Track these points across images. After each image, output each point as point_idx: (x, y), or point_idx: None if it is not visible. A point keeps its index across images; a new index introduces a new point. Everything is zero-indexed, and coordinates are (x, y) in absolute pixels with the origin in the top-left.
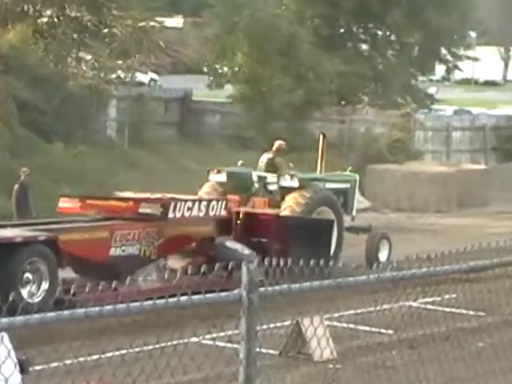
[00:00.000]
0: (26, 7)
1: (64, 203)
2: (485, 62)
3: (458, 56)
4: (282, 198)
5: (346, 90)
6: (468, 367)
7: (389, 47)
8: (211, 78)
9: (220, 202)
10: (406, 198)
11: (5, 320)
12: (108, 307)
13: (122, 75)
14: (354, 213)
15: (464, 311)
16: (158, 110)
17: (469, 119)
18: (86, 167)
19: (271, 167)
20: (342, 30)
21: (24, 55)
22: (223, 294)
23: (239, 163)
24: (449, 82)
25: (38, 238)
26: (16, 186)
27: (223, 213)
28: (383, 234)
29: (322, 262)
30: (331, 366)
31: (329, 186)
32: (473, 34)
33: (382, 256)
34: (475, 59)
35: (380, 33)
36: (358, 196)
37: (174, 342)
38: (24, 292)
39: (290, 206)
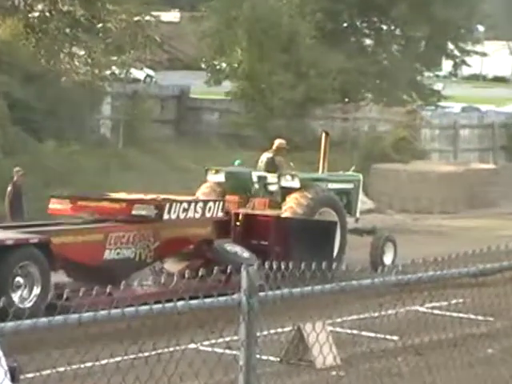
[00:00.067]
0: (16, 1)
1: (54, 204)
2: (493, 57)
3: (466, 51)
4: (283, 199)
5: (349, 86)
6: (477, 374)
7: (394, 42)
8: (209, 75)
9: (217, 203)
10: (412, 198)
11: None
12: (102, 312)
13: (117, 71)
14: (357, 214)
15: (472, 316)
16: (154, 107)
17: (477, 116)
18: (78, 167)
19: (271, 167)
20: (344, 25)
21: (15, 51)
22: (222, 298)
23: (236, 162)
24: (456, 78)
25: (30, 240)
26: (9, 187)
27: (220, 214)
28: (388, 236)
29: (324, 265)
30: (334, 373)
31: (331, 186)
32: (481, 28)
33: (387, 259)
34: (483, 54)
35: (384, 27)
36: (361, 197)
37: (171, 349)
38: (15, 297)
39: (290, 207)
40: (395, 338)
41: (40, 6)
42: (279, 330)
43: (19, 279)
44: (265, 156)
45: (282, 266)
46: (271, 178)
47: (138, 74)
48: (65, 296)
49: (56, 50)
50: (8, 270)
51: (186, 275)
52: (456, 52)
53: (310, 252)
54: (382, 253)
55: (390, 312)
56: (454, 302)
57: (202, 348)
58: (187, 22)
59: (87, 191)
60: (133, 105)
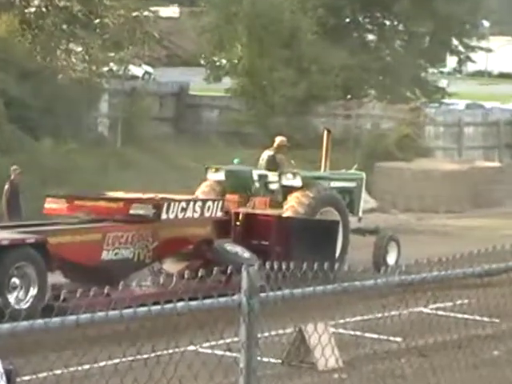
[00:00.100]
0: None
1: (50, 204)
2: (499, 53)
3: (471, 47)
4: (284, 198)
5: (351, 83)
6: (482, 376)
7: (397, 38)
8: (209, 71)
9: (216, 203)
10: (416, 197)
11: None
12: (100, 314)
13: (115, 68)
14: (360, 213)
15: (477, 317)
16: (153, 105)
17: (482, 114)
18: (76, 166)
19: (272, 165)
20: (347, 20)
21: (10, 47)
22: (222, 299)
23: (235, 161)
24: (461, 75)
25: (26, 240)
26: (6, 186)
27: (219, 214)
28: (391, 235)
29: (326, 265)
30: (336, 375)
31: (334, 184)
32: (486, 24)
33: (391, 259)
34: (488, 50)
35: (387, 22)
36: (364, 196)
37: (170, 351)
38: (11, 298)
39: (292, 206)
40: (399, 339)
41: (36, 2)
42: (280, 331)
43: (15, 280)
44: (266, 154)
45: (283, 267)
46: (272, 176)
47: (136, 70)
48: (62, 297)
49: (52, 47)
50: (4, 271)
51: (186, 276)
52: (460, 48)
53: (312, 252)
54: (386, 253)
55: (393, 313)
56: (458, 302)
57: (201, 350)
58: (186, 17)
59: (84, 190)
60: (131, 102)
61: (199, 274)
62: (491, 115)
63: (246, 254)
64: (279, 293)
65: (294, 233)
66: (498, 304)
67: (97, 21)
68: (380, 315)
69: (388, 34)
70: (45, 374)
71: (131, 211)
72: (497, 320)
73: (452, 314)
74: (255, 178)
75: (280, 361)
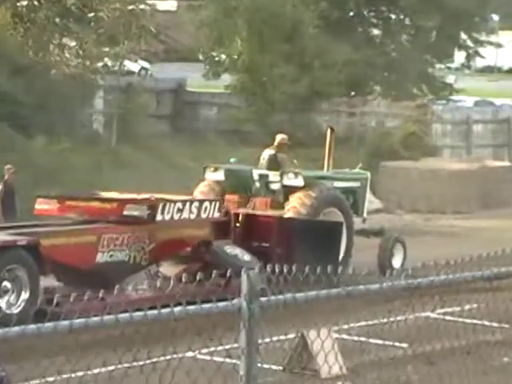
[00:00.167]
0: None
1: (41, 205)
2: (508, 47)
3: (479, 41)
4: (286, 199)
5: (355, 79)
6: (491, 383)
7: (403, 32)
8: (207, 67)
9: (213, 203)
10: (422, 197)
11: None
12: (94, 319)
13: (110, 64)
14: (364, 214)
15: (487, 323)
16: (149, 101)
17: (491, 111)
18: (69, 165)
19: (273, 164)
20: (351, 14)
21: (1, 42)
22: (221, 303)
23: (232, 160)
24: (469, 70)
25: (18, 242)
26: (0, 186)
27: (217, 215)
28: (397, 237)
29: (329, 268)
30: (340, 383)
31: (337, 184)
32: (495, 17)
33: (396, 262)
34: (498, 45)
35: (393, 16)
36: (369, 196)
37: (167, 357)
38: (2, 302)
39: (294, 206)
40: (405, 345)
41: None
42: (282, 337)
43: (6, 284)
44: (266, 153)
45: (285, 270)
46: (273, 176)
47: (132, 66)
48: (55, 301)
49: (45, 41)
50: None
51: (183, 279)
52: (469, 42)
53: (315, 254)
54: (391, 255)
55: (399, 318)
56: (467, 307)
57: (200, 356)
58: (184, 10)
59: (78, 190)
60: (127, 99)
61: (197, 278)
62: (501, 112)
63: (246, 257)
64: (281, 297)
65: (295, 234)
66: (507, 309)
67: (91, 14)
68: (385, 320)
69: (394, 28)
70: (37, 381)
71: (125, 212)
72: (506, 325)
73: (460, 319)
74: (255, 177)
75: (281, 368)
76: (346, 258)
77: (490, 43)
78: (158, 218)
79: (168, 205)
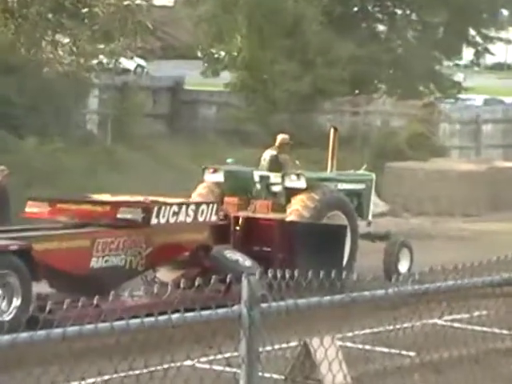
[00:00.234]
0: None
1: (31, 208)
2: None
3: (489, 37)
4: (288, 201)
5: (359, 77)
6: None
7: (409, 28)
8: (206, 64)
9: (211, 206)
10: (430, 200)
11: None
12: (89, 326)
13: (104, 61)
14: (369, 217)
15: (496, 330)
16: (146, 100)
17: (501, 110)
18: (63, 166)
19: (275, 165)
20: (355, 9)
21: None
22: (221, 310)
23: (229, 160)
24: (478, 68)
25: (9, 247)
26: None
27: (214, 218)
28: (403, 241)
29: (333, 273)
30: None
31: (341, 186)
32: (505, 13)
33: (403, 267)
34: (508, 41)
35: (399, 11)
36: (374, 198)
37: (165, 366)
38: None
39: (296, 209)
40: (411, 353)
41: None
42: (284, 345)
43: None
44: (268, 154)
45: (287, 275)
46: (274, 177)
47: (128, 63)
48: (48, 308)
49: (37, 38)
50: None
51: (181, 285)
52: (478, 39)
53: (318, 259)
54: (397, 260)
55: (405, 325)
56: (476, 314)
57: (198, 365)
58: (182, 6)
59: (71, 193)
60: (122, 98)
61: (196, 283)
62: (511, 111)
63: (247, 262)
64: (282, 303)
65: (298, 238)
66: None
67: (85, 10)
68: (391, 327)
69: (400, 23)
70: None
71: (118, 215)
72: None
73: (469, 327)
74: (256, 179)
75: (283, 377)
76: (351, 262)
77: (500, 39)
78: (153, 221)
79: (163, 208)
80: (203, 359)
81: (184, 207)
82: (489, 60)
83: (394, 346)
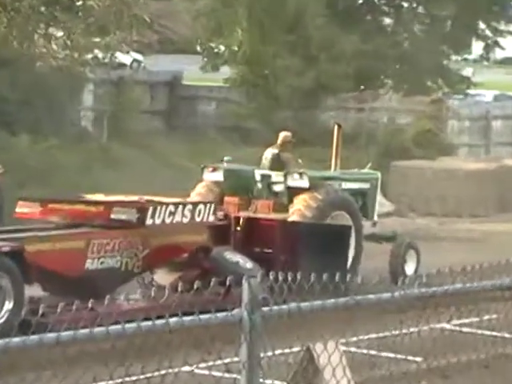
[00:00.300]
0: None
1: (22, 208)
2: None
3: (499, 31)
4: (290, 201)
5: (365, 72)
6: None
7: (416, 21)
8: (205, 59)
9: (208, 206)
10: (437, 200)
11: None
12: (83, 331)
13: (100, 55)
14: (375, 218)
15: (507, 335)
16: (143, 96)
17: None
18: (57, 164)
19: (277, 164)
20: (360, 1)
21: None
22: (220, 314)
23: (226, 158)
24: (488, 62)
25: (1, 248)
26: None
27: (212, 218)
28: (410, 242)
29: (337, 276)
30: None
31: (345, 186)
32: None
33: (409, 269)
34: None
35: (405, 4)
36: (379, 198)
37: (163, 372)
38: None
39: (298, 209)
40: (418, 359)
41: None
42: (286, 350)
43: None
44: (269, 152)
45: (289, 277)
46: (276, 176)
47: (124, 58)
48: (40, 312)
49: (30, 31)
50: None
51: (180, 288)
52: (488, 32)
53: (321, 261)
54: (403, 262)
55: (412, 330)
56: (485, 318)
57: (197, 371)
58: None
59: (67, 192)
60: (118, 93)
61: (195, 286)
62: None
63: (248, 264)
64: (284, 307)
65: (300, 239)
66: None
67: (79, 3)
68: (397, 332)
69: (406, 16)
70: None
71: (112, 216)
72: None
73: (478, 331)
74: (257, 178)
75: (285, 383)
76: (355, 264)
77: (510, 33)
78: (148, 221)
79: (159, 208)
80: (202, 365)
81: (180, 207)
82: (499, 54)
83: (400, 351)
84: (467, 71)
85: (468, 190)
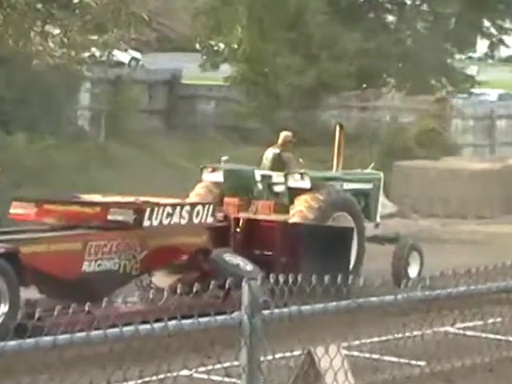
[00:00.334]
0: None
1: (16, 209)
2: None
3: (504, 29)
4: (291, 202)
5: (367, 70)
6: None
7: (419, 18)
8: (204, 57)
9: (207, 207)
10: (440, 201)
11: None
12: (80, 334)
13: (97, 54)
14: (377, 219)
15: (511, 338)
16: (141, 95)
17: None
18: (53, 164)
19: (277, 164)
20: None
21: None
22: (220, 317)
23: (223, 158)
24: (493, 60)
25: None
26: None
27: (210, 219)
28: (413, 244)
29: (339, 278)
30: None
31: (347, 186)
32: None
33: (412, 271)
34: None
35: (408, 1)
36: (382, 199)
37: (161, 376)
38: None
39: (300, 211)
40: (422, 363)
41: None
42: (287, 354)
43: None
44: (270, 152)
45: (290, 280)
46: (277, 177)
47: (122, 56)
48: (37, 315)
49: (26, 29)
50: None
51: (179, 290)
52: (492, 30)
53: (323, 263)
54: (407, 264)
55: (415, 333)
56: (490, 321)
57: (196, 375)
58: None
59: (63, 191)
60: (116, 92)
61: (194, 289)
62: None
63: (248, 266)
64: (285, 310)
65: (301, 241)
66: None
67: (76, 0)
68: (400, 335)
69: (409, 14)
70: None
71: (109, 217)
72: None
73: (483, 335)
74: (258, 178)
75: None
76: (357, 266)
77: None
78: (146, 223)
79: (156, 209)
80: (201, 369)
81: (178, 208)
82: (504, 52)
83: (403, 355)
84: (471, 69)
85: (472, 191)
